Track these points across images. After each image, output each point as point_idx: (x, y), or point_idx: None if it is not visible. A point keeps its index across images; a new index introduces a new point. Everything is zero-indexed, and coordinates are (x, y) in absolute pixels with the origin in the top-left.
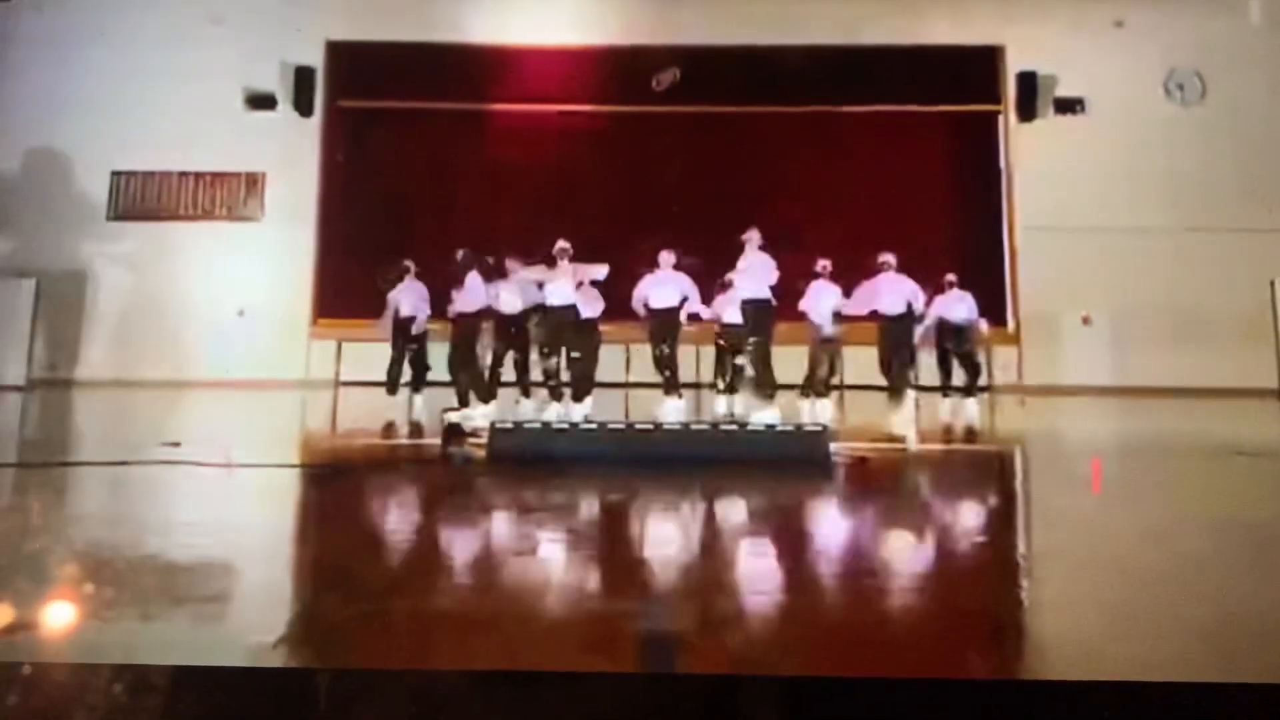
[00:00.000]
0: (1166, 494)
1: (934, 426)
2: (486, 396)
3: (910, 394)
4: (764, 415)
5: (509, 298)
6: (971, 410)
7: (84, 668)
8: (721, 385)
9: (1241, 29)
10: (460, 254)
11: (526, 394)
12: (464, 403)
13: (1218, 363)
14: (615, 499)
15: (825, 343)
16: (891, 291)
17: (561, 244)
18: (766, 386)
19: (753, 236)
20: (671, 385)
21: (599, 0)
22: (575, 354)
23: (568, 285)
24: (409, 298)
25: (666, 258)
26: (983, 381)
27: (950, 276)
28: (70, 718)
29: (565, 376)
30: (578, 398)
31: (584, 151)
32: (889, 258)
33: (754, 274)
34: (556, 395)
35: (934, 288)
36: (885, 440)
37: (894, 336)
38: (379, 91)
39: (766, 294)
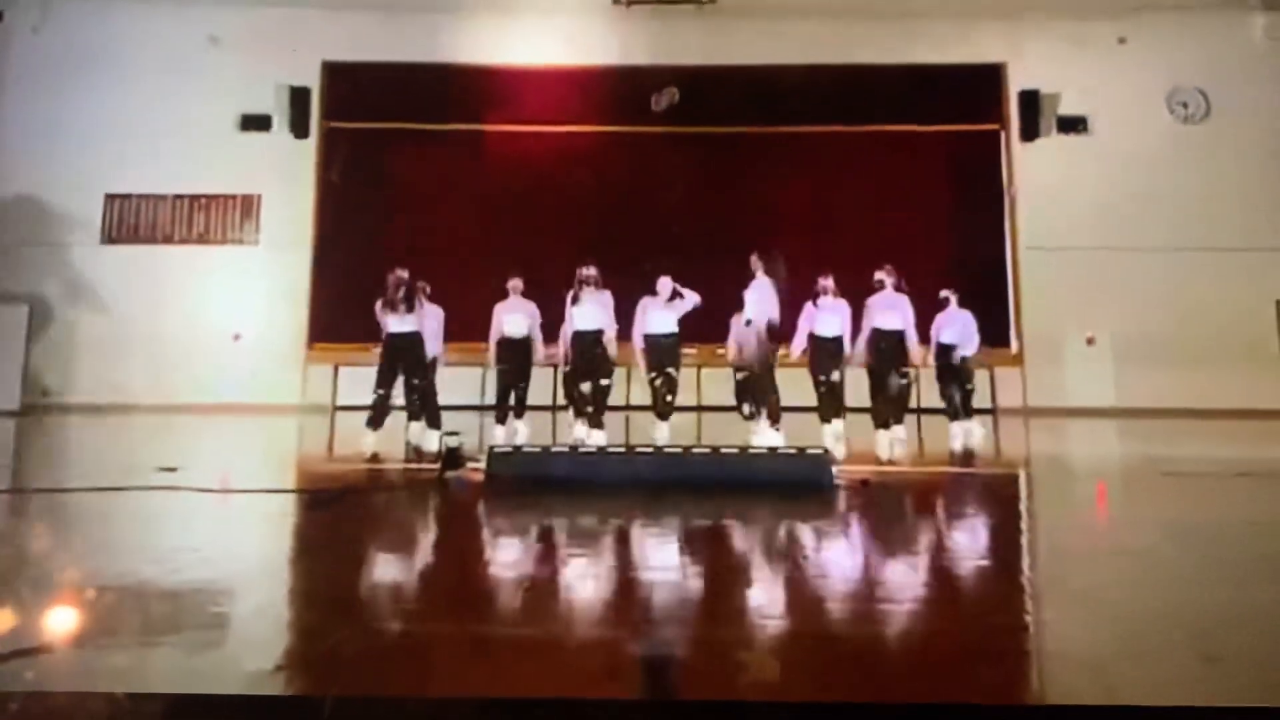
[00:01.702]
0: (1170, 516)
1: (940, 450)
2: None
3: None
4: (763, 439)
5: (513, 320)
6: (973, 434)
7: (80, 695)
8: (748, 410)
9: (1245, 46)
10: (397, 275)
11: (519, 415)
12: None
13: (1223, 384)
14: (614, 523)
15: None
16: (890, 308)
17: (588, 270)
18: (766, 411)
19: (757, 262)
20: (665, 411)
21: (596, 21)
22: (605, 380)
23: (595, 310)
24: (431, 322)
25: (664, 284)
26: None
27: (945, 292)
28: None
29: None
30: (600, 424)
31: (582, 172)
32: (884, 275)
33: (757, 299)
34: (597, 421)
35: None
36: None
37: (890, 355)
38: (376, 113)
39: (771, 318)
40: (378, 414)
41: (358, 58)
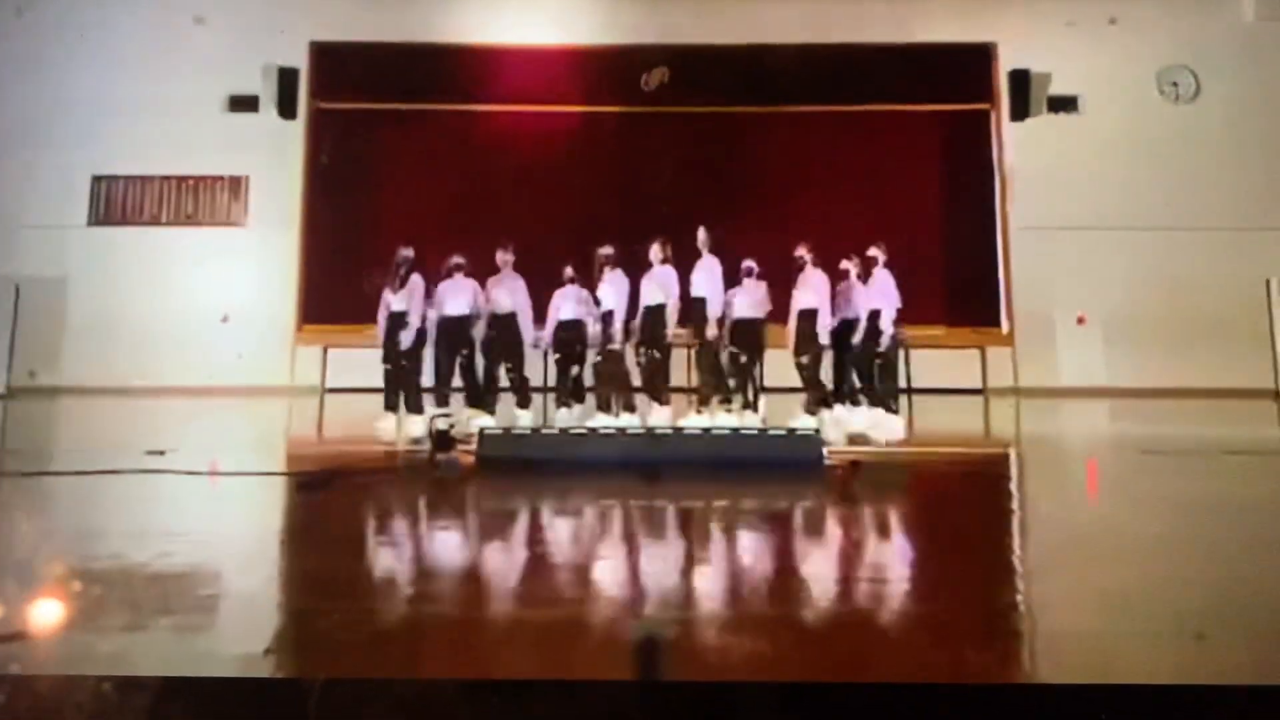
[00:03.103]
0: (1159, 495)
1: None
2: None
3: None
4: (696, 420)
5: (496, 294)
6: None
7: (70, 679)
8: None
9: (1235, 25)
10: (402, 253)
11: (523, 404)
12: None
13: (1214, 363)
14: (605, 504)
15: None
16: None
17: (604, 250)
18: (707, 390)
19: (702, 238)
20: (660, 393)
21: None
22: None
23: (612, 292)
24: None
25: (656, 252)
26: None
27: (747, 263)
28: None
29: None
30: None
31: (572, 152)
32: (877, 252)
33: (703, 276)
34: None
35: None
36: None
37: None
38: (364, 93)
39: (705, 295)
40: (389, 394)
41: (346, 38)
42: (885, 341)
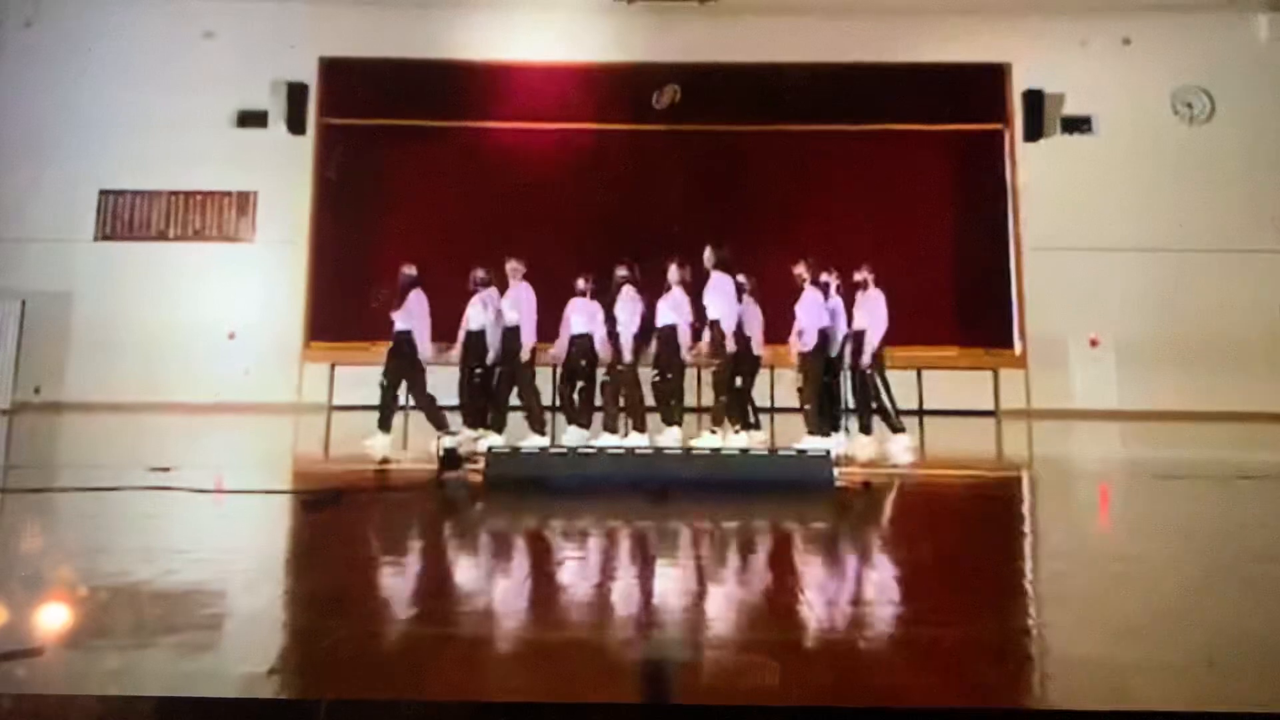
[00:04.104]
0: (1171, 519)
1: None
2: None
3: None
4: (707, 440)
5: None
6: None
7: (72, 698)
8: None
9: (1250, 46)
10: (404, 271)
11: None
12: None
13: (1228, 386)
14: (612, 525)
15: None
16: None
17: (621, 270)
18: (721, 411)
19: (709, 256)
20: (671, 414)
21: (598, 17)
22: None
23: (626, 311)
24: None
25: (674, 273)
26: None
27: (739, 278)
28: None
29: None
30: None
31: (582, 170)
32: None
33: (711, 295)
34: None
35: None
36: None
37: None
38: (373, 109)
39: (720, 315)
40: (384, 413)
41: (355, 53)
42: (866, 361)
